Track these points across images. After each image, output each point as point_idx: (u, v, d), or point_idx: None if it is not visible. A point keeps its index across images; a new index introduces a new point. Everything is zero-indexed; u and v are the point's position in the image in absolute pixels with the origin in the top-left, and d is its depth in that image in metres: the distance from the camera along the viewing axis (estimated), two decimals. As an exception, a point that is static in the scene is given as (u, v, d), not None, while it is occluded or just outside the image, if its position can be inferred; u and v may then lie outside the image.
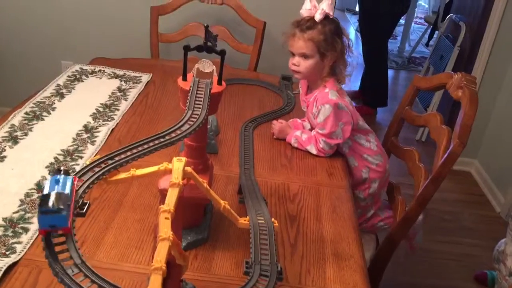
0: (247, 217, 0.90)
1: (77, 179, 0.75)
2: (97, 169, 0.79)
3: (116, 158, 0.82)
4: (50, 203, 0.65)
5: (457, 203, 2.80)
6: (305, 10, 1.49)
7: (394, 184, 1.70)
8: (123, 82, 1.85)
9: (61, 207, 0.65)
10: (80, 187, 0.76)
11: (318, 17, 1.45)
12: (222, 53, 1.03)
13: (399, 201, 1.60)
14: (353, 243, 1.17)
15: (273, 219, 0.90)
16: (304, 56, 1.49)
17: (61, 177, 0.70)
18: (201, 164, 1.10)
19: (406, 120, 1.73)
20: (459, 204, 2.79)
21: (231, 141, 1.56)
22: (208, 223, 1.14)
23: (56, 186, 0.68)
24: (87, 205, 0.74)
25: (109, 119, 1.57)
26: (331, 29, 1.47)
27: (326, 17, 1.46)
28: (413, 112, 1.70)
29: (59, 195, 0.66)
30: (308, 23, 1.47)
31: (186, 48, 1.01)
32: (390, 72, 4.76)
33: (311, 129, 1.64)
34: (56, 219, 0.65)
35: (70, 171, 0.73)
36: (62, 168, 0.73)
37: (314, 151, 1.52)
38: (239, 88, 1.96)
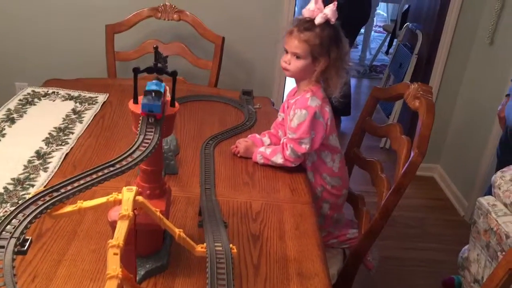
0: (204, 244, 0.87)
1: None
2: (40, 203, 0.75)
3: (62, 190, 0.78)
4: (151, 95, 0.93)
5: (421, 208, 2.83)
6: (308, 11, 1.45)
7: (358, 195, 1.70)
8: (78, 104, 1.80)
9: (158, 99, 0.93)
10: (21, 222, 0.71)
11: (318, 20, 1.42)
12: (173, 74, 1.00)
13: (363, 212, 1.60)
14: (317, 261, 1.15)
15: (231, 245, 0.87)
16: (297, 56, 1.46)
17: (157, 82, 0.97)
18: (157, 189, 1.06)
19: (367, 131, 1.74)
20: (424, 209, 2.83)
21: (191, 160, 1.53)
22: (168, 249, 1.10)
23: (154, 86, 0.95)
24: (28, 241, 0.69)
25: (63, 144, 1.51)
26: (329, 34, 1.43)
27: (327, 22, 1.43)
28: (373, 123, 1.71)
29: (158, 92, 0.94)
30: (307, 24, 1.44)
31: (136, 71, 0.97)
32: (353, 81, 4.82)
33: (271, 143, 1.62)
34: (154, 106, 0.93)
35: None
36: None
37: (280, 160, 1.49)
38: (198, 105, 1.93)
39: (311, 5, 1.44)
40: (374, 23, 5.82)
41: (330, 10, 1.42)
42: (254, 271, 1.09)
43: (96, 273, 1.04)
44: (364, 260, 1.54)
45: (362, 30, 5.89)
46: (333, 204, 1.60)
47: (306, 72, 1.49)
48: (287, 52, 1.49)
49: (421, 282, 2.27)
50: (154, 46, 1.01)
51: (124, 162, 0.85)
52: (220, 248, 0.85)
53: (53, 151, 1.47)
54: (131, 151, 0.89)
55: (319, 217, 1.56)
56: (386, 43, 5.30)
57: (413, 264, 2.38)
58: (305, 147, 1.47)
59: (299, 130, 1.46)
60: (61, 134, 1.57)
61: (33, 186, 1.30)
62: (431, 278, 2.29)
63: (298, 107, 1.47)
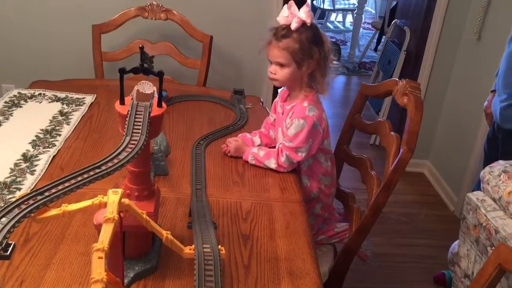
0: (193, 245, 0.86)
1: None
2: (24, 206, 0.73)
3: (46, 193, 0.76)
4: None
5: (412, 204, 2.84)
6: (282, 18, 1.42)
7: (348, 193, 1.70)
8: (65, 105, 1.78)
9: None
10: (4, 226, 0.70)
11: (294, 25, 1.40)
12: (160, 74, 1.00)
13: (354, 210, 1.60)
14: (307, 259, 1.15)
15: (220, 246, 0.87)
16: (280, 64, 1.45)
17: None
18: (146, 190, 1.05)
19: (357, 128, 1.74)
20: (414, 205, 2.84)
21: (181, 161, 1.52)
22: (158, 251, 1.09)
23: None
24: (11, 246, 0.68)
25: (50, 146, 1.49)
26: (307, 37, 1.41)
27: (303, 24, 1.41)
28: (363, 120, 1.71)
29: None
30: (283, 32, 1.42)
31: (122, 71, 0.96)
32: (342, 78, 4.84)
33: (262, 143, 1.62)
34: None
35: None
36: None
37: (273, 166, 1.48)
38: (187, 104, 1.92)
39: (285, 12, 1.42)
40: (363, 20, 5.82)
41: (304, 13, 1.40)
42: (245, 271, 1.09)
43: (84, 276, 1.02)
44: (358, 252, 1.55)
45: (351, 27, 5.91)
46: (325, 203, 1.60)
47: (295, 79, 1.47)
48: (271, 63, 1.48)
49: (412, 278, 2.28)
50: (140, 46, 1.00)
51: (110, 164, 0.84)
52: (209, 250, 0.84)
53: (40, 153, 1.45)
54: (117, 152, 0.88)
55: (310, 217, 1.56)
56: (375, 40, 5.31)
57: (404, 260, 2.39)
58: (301, 155, 1.47)
59: (296, 139, 1.45)
60: (48, 136, 1.55)
61: (20, 189, 1.28)
62: (422, 274, 2.30)
63: (295, 116, 1.46)
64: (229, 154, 1.56)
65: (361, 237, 1.48)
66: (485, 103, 2.02)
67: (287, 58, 1.43)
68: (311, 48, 1.43)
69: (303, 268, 1.12)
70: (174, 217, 1.25)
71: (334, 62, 1.48)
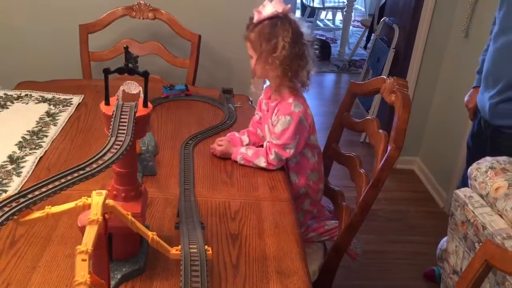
0: (179, 246, 0.86)
1: None
2: (7, 209, 0.73)
3: (29, 196, 0.76)
4: None
5: (402, 201, 2.85)
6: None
7: (338, 191, 1.70)
8: (52, 106, 1.76)
9: None
10: (-12, 232, 0.69)
11: (255, 18, 1.43)
12: (145, 74, 0.99)
13: (343, 208, 1.61)
14: (296, 258, 1.14)
15: (206, 247, 0.86)
16: (250, 56, 1.48)
17: None
18: (132, 191, 1.05)
19: (345, 126, 1.74)
20: (405, 202, 2.85)
21: (169, 161, 1.51)
22: (145, 252, 1.09)
23: None
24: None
25: (36, 147, 1.48)
26: (260, 30, 1.42)
27: (277, 16, 1.41)
28: (351, 119, 1.71)
29: None
30: (248, 23, 1.46)
31: (106, 72, 0.96)
32: (332, 76, 4.84)
33: (250, 142, 1.61)
34: None
35: None
36: None
37: (262, 164, 1.48)
38: (176, 104, 1.91)
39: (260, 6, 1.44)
40: (352, 18, 5.83)
41: (265, 7, 1.42)
42: (233, 271, 1.08)
43: (71, 279, 1.01)
44: (347, 250, 1.55)
45: (340, 25, 5.92)
46: (313, 199, 1.60)
47: (263, 71, 1.48)
48: None
49: (402, 274, 2.29)
50: (124, 46, 0.99)
51: (94, 165, 0.84)
52: (195, 250, 0.84)
53: (26, 155, 1.44)
54: (102, 153, 0.87)
55: (299, 213, 1.56)
56: (365, 38, 5.32)
57: (395, 257, 2.40)
58: (289, 151, 1.47)
59: (284, 136, 1.46)
60: (34, 137, 1.54)
61: (5, 191, 1.27)
62: (412, 270, 2.31)
63: (281, 114, 1.46)
64: (217, 155, 1.55)
65: (350, 235, 1.48)
66: (466, 98, 2.03)
67: (249, 49, 1.47)
68: (265, 42, 1.42)
69: (292, 267, 1.12)
70: (162, 218, 1.25)
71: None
